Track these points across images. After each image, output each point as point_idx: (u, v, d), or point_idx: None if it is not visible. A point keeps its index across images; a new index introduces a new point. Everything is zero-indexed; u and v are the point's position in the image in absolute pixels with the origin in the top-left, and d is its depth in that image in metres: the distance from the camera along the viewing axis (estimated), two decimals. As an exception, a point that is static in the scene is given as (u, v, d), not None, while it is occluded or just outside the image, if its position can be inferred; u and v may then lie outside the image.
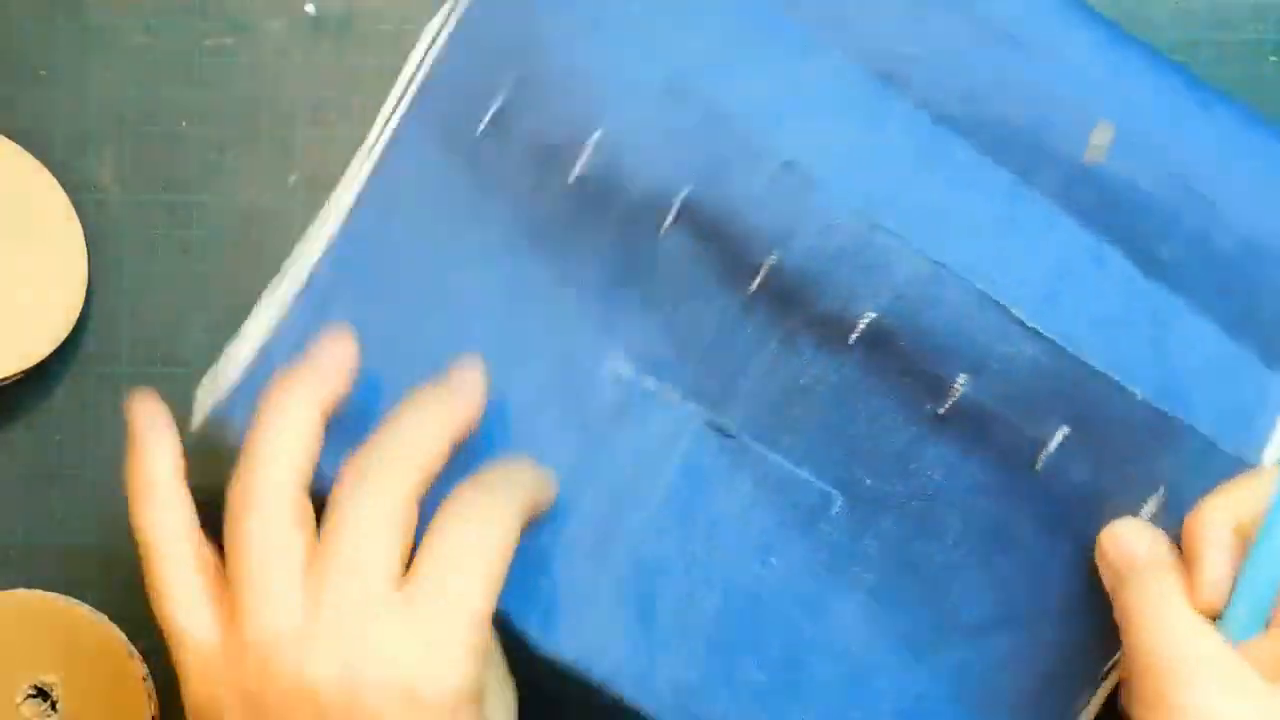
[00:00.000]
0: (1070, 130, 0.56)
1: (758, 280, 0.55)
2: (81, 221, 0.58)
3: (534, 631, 0.54)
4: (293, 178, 0.60)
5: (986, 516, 0.56)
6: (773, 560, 0.56)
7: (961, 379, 0.54)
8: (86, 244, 0.59)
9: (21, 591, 0.58)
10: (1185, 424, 0.53)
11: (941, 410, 0.55)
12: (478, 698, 0.49)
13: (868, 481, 0.56)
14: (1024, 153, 0.55)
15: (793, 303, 0.55)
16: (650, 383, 0.56)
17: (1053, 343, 0.53)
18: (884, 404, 0.55)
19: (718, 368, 0.56)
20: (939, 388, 0.54)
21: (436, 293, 0.56)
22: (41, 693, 0.58)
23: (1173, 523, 0.53)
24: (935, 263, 0.53)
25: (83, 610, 0.58)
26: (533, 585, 0.55)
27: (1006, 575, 0.56)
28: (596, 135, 0.54)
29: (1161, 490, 0.53)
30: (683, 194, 0.54)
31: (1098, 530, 0.54)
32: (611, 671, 0.55)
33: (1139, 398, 0.53)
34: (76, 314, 0.58)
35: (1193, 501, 0.52)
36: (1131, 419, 0.53)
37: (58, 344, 0.58)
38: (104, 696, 0.57)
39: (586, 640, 0.55)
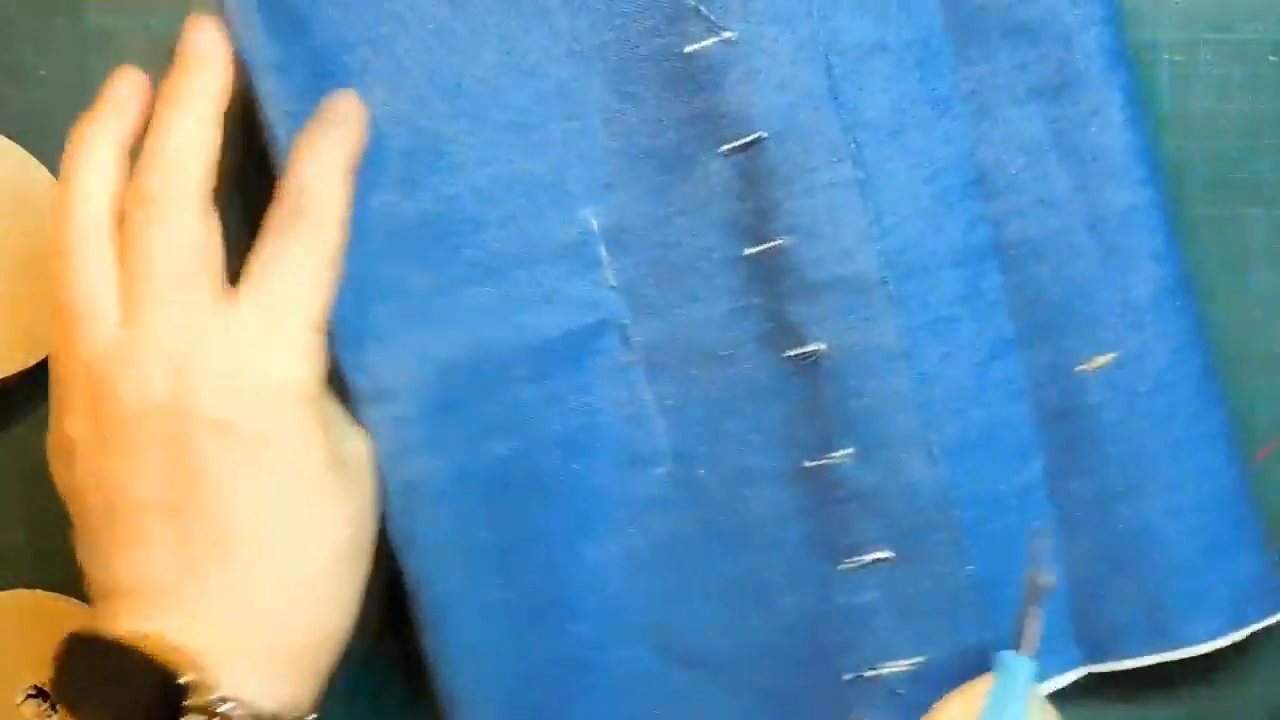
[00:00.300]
0: None
1: (759, 249, 0.56)
2: (81, 221, 0.58)
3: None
4: (293, 178, 0.59)
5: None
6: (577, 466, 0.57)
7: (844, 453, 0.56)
8: (86, 244, 0.58)
9: (21, 591, 0.58)
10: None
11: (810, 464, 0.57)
12: (317, 397, 0.50)
13: (700, 471, 0.57)
14: None
15: (776, 295, 0.56)
16: (602, 252, 0.57)
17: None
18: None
19: (669, 290, 0.57)
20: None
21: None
22: (41, 693, 0.58)
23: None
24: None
25: (83, 610, 0.58)
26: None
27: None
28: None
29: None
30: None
31: None
32: None
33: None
34: (76, 314, 0.58)
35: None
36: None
37: (58, 344, 0.58)
38: (104, 696, 0.57)
39: None
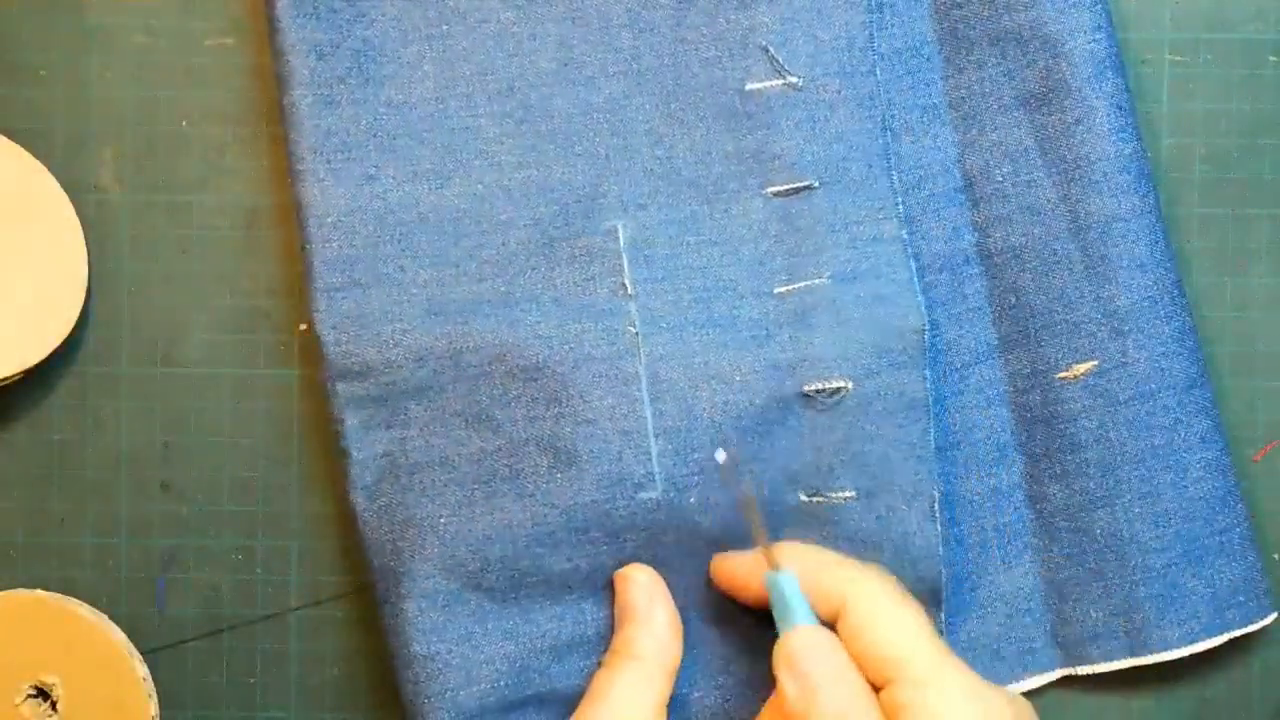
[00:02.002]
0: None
1: (791, 287, 0.56)
2: (81, 221, 0.58)
3: None
4: (293, 178, 0.60)
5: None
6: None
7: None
8: (86, 244, 0.58)
9: (21, 591, 0.58)
10: None
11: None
12: None
13: (691, 499, 0.56)
14: None
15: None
16: (624, 262, 0.56)
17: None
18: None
19: (688, 311, 0.56)
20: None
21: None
22: (41, 693, 0.58)
23: None
24: None
25: (83, 610, 0.58)
26: None
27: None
28: None
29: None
30: None
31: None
32: None
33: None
34: (76, 314, 0.58)
35: None
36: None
37: (58, 344, 0.58)
38: (104, 696, 0.57)
39: None
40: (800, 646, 0.50)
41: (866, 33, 0.57)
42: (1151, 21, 0.59)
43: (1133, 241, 0.56)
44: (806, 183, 0.56)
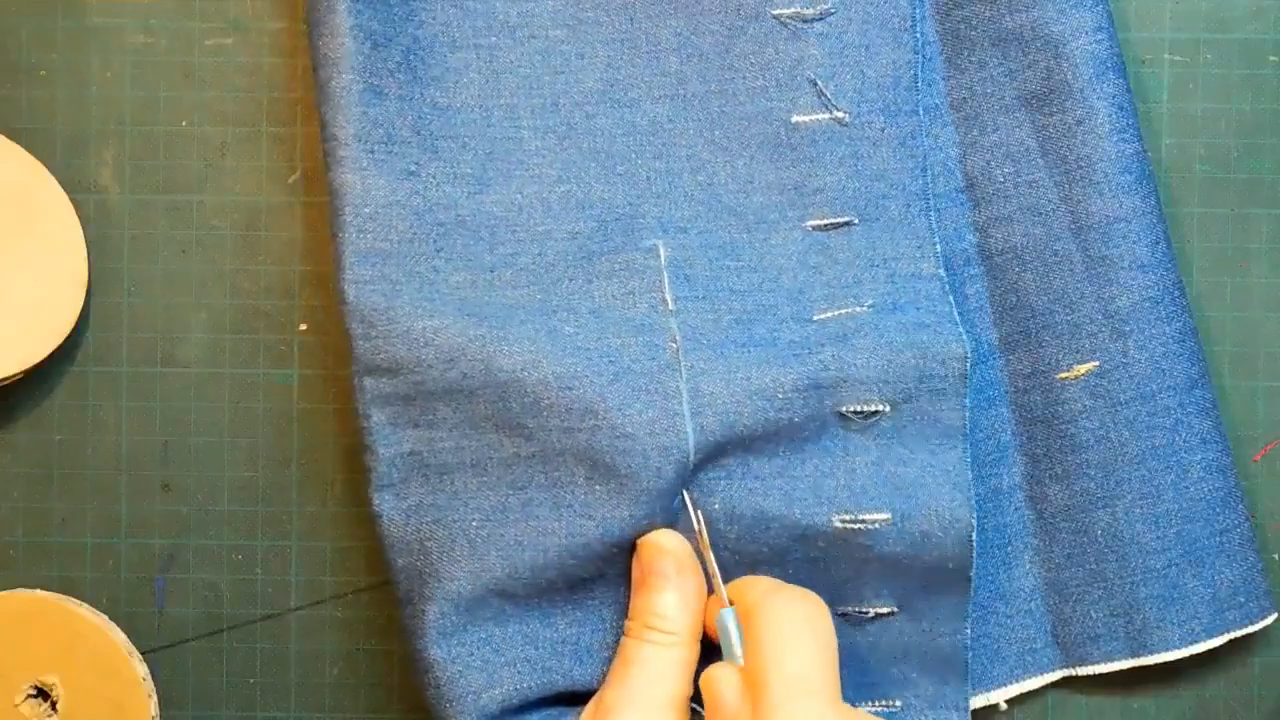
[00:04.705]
0: None
1: (831, 314, 0.56)
2: (81, 221, 0.58)
3: None
4: (293, 177, 0.60)
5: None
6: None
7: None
8: (86, 244, 0.59)
9: (21, 591, 0.58)
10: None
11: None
12: None
13: (715, 505, 0.56)
14: None
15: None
16: (665, 279, 0.56)
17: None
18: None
19: (729, 329, 0.56)
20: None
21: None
22: (41, 693, 0.58)
23: None
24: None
25: (83, 610, 0.58)
26: None
27: None
28: None
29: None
30: None
31: None
32: None
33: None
34: (76, 314, 0.58)
35: None
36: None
37: (58, 344, 0.58)
38: (104, 696, 0.57)
39: None
40: (708, 678, 0.53)
41: (912, 72, 0.57)
42: (1151, 21, 0.59)
43: (1134, 242, 0.56)
44: (846, 219, 0.57)
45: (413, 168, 0.56)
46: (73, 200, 0.58)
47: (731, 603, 0.54)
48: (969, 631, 0.56)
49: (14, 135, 0.59)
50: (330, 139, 0.55)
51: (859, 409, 0.55)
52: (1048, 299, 0.57)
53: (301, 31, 0.60)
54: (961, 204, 0.58)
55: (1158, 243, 0.56)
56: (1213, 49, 0.59)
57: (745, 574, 0.55)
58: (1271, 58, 0.60)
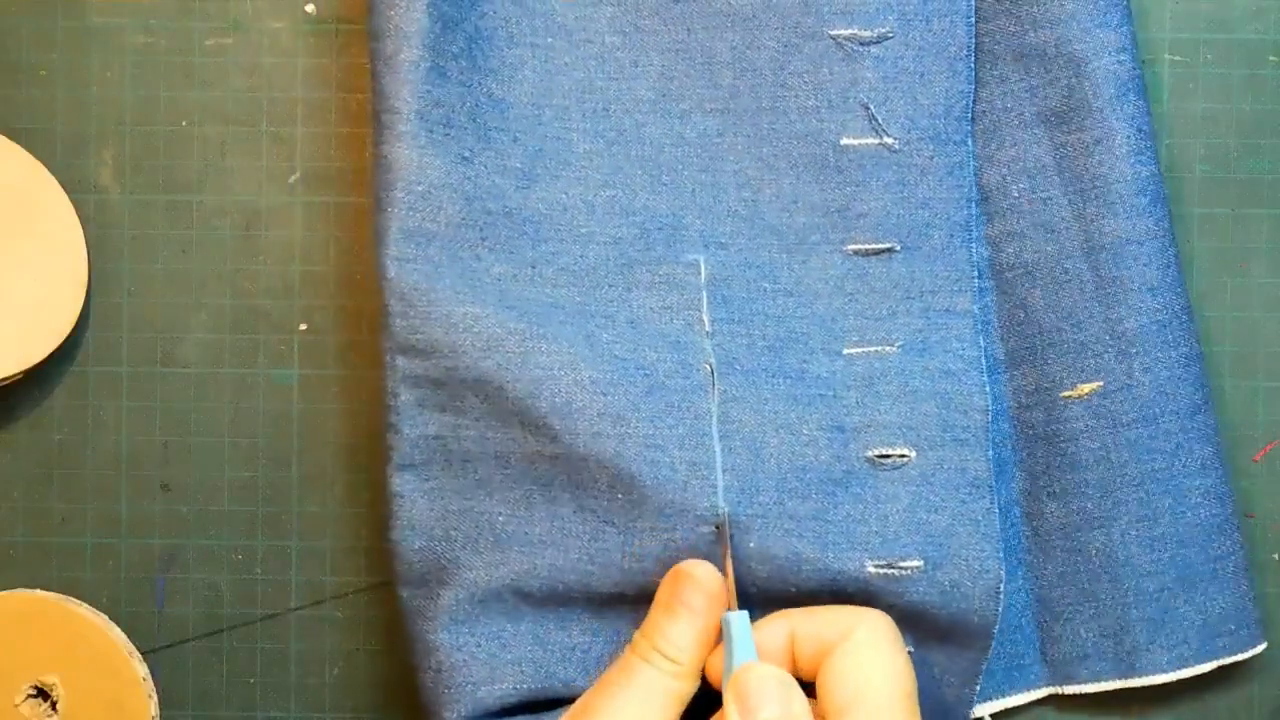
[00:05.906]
0: None
1: (861, 350, 0.56)
2: (81, 221, 0.58)
3: None
4: (293, 177, 0.60)
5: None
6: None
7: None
8: (86, 244, 0.59)
9: (21, 591, 0.58)
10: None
11: None
12: None
13: (751, 544, 0.55)
14: None
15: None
16: (704, 298, 0.56)
17: None
18: None
19: (761, 357, 0.56)
20: None
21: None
22: (41, 693, 0.58)
23: None
24: None
25: (83, 610, 0.58)
26: None
27: None
28: None
29: None
30: None
31: None
32: None
33: None
34: (76, 314, 0.58)
35: None
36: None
37: (58, 344, 0.58)
38: (104, 696, 0.57)
39: None
40: (753, 680, 0.51)
41: (964, 102, 0.57)
42: (1151, 21, 0.59)
43: (1145, 264, 0.56)
44: (888, 245, 0.56)
45: (466, 154, 0.55)
46: (73, 200, 0.58)
47: (746, 610, 0.53)
48: (977, 690, 0.56)
49: (14, 135, 0.59)
50: (389, 111, 0.55)
51: (886, 453, 0.55)
52: (1056, 316, 0.57)
53: (302, 31, 0.60)
54: (975, 217, 0.58)
55: (1169, 266, 0.56)
56: (1213, 49, 0.59)
57: (772, 611, 0.54)
58: (1271, 58, 0.60)
